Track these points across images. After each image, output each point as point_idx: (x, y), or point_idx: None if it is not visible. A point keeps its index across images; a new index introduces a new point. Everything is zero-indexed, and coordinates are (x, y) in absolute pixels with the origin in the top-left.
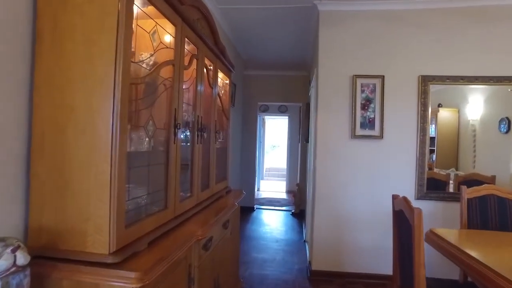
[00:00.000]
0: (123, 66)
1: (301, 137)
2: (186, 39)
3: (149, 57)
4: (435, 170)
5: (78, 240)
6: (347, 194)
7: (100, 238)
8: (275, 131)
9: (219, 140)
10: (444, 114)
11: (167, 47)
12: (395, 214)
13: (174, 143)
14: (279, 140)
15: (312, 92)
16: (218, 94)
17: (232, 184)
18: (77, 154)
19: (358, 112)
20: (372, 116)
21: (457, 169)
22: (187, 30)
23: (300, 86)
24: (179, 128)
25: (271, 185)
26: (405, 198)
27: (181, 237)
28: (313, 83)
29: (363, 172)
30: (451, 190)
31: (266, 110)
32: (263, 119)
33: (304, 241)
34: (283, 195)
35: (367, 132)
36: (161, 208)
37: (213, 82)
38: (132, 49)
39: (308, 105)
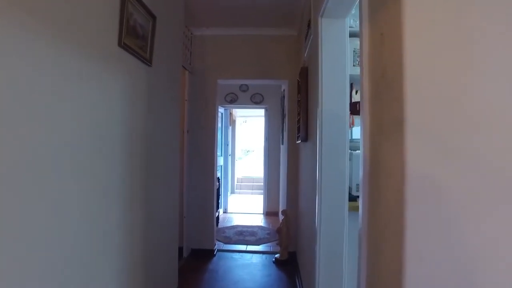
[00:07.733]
0: None
1: (286, 134)
2: None
3: None
4: None
5: None
6: None
7: None
8: (250, 131)
9: None
10: None
11: None
12: None
13: None
14: (255, 142)
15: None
16: None
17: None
18: None
19: None
20: None
21: None
22: None
23: (285, 53)
24: None
25: (244, 202)
26: None
27: None
28: None
29: None
30: None
31: (234, 100)
32: (231, 114)
33: None
34: (260, 219)
35: None
36: None
37: None
38: None
39: (306, 71)
